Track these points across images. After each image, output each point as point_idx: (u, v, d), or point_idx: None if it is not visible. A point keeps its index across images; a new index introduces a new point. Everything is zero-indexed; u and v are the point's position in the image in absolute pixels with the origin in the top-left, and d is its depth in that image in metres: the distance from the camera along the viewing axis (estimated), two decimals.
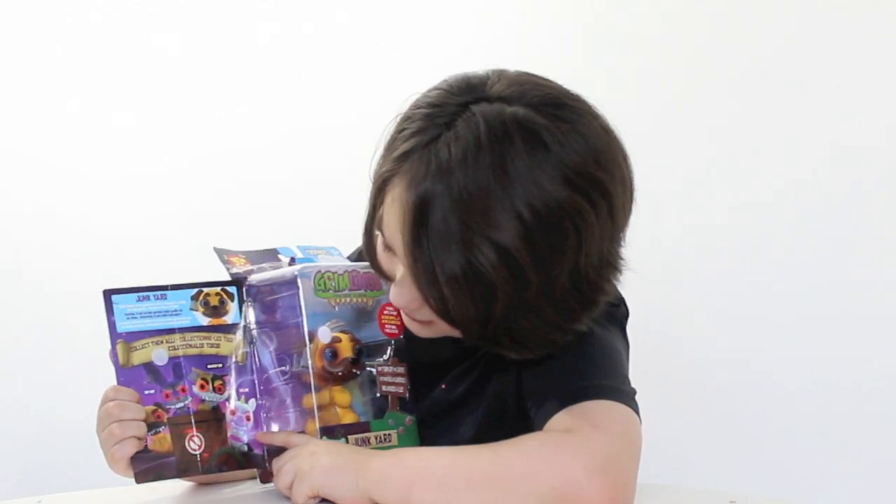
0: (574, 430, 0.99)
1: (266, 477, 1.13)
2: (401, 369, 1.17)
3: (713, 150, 2.02)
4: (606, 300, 1.04)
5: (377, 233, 1.06)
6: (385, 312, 1.16)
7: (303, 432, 1.13)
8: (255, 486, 1.16)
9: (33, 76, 2.33)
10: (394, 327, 1.17)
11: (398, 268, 1.05)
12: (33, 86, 2.33)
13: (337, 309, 1.13)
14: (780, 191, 1.97)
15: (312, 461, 1.06)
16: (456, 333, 1.05)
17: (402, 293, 1.04)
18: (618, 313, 1.17)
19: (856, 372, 1.94)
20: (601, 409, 1.02)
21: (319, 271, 1.13)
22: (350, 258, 1.25)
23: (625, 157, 1.04)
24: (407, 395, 1.17)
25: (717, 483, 1.83)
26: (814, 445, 1.96)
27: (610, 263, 1.02)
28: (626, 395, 1.05)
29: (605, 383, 1.05)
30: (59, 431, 2.34)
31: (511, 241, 0.95)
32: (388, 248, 1.05)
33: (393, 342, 1.17)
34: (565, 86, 1.05)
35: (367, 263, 1.12)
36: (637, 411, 1.05)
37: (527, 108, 0.99)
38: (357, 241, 1.22)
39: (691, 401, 2.02)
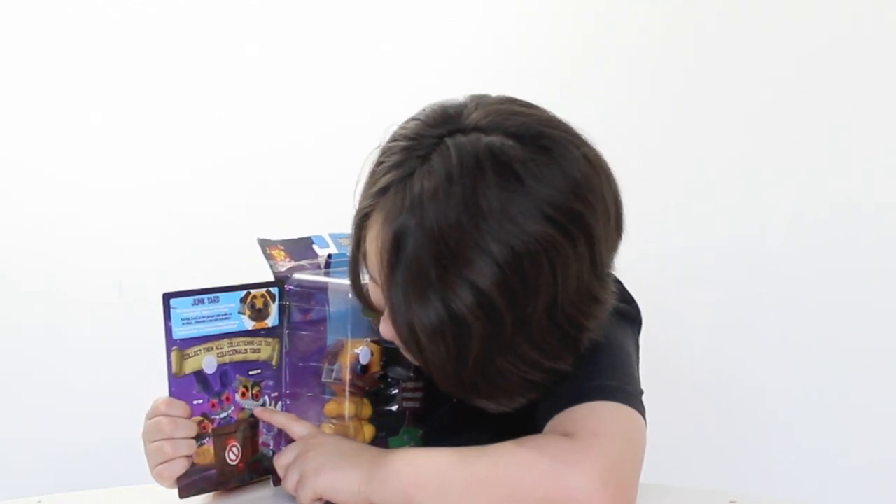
0: (575, 436, 0.98)
1: (280, 480, 1.13)
2: (420, 384, 1.17)
3: (716, 156, 2.01)
4: (590, 336, 1.02)
5: (363, 267, 1.05)
6: None
7: None
8: (266, 489, 1.15)
9: (40, 84, 2.33)
10: None
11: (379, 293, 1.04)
12: (39, 93, 2.33)
13: (377, 327, 1.12)
14: (780, 197, 1.97)
15: (317, 463, 1.06)
16: None
17: (386, 329, 1.03)
18: (629, 313, 1.16)
19: (856, 372, 1.94)
20: (603, 412, 1.01)
21: None
22: None
23: (610, 186, 1.01)
24: (422, 409, 1.17)
25: (717, 483, 1.82)
26: (814, 445, 1.96)
27: (592, 296, 1.00)
28: (630, 396, 1.04)
29: (609, 384, 1.04)
30: (59, 431, 2.34)
31: (483, 280, 0.94)
32: (374, 280, 1.04)
33: None
34: (561, 97, 1.03)
35: None
36: (643, 412, 1.04)
37: (503, 138, 0.97)
38: None
39: (691, 401, 2.01)
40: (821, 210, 1.95)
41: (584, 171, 0.98)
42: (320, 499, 1.05)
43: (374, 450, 1.07)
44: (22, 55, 2.33)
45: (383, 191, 0.99)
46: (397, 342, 1.03)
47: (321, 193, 2.18)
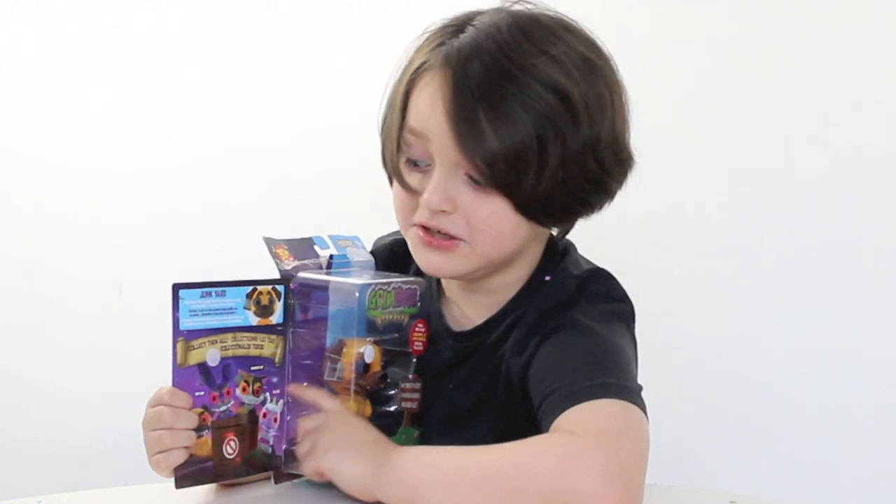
0: (580, 434, 0.99)
1: (280, 478, 1.13)
2: (418, 385, 1.18)
3: (714, 141, 2.01)
4: (603, 201, 1.13)
5: (406, 139, 1.10)
6: (416, 329, 1.17)
7: None
8: (266, 488, 1.15)
9: (41, 83, 2.33)
10: (420, 344, 1.17)
11: (427, 178, 1.10)
12: (39, 93, 2.34)
13: (380, 327, 1.13)
14: (782, 183, 1.97)
15: (330, 442, 1.07)
16: (476, 262, 1.11)
17: (437, 190, 1.08)
18: (623, 310, 1.17)
19: (857, 371, 1.94)
20: (606, 410, 1.02)
21: (373, 288, 1.12)
22: (373, 252, 1.25)
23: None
24: (419, 410, 1.18)
25: (717, 483, 1.82)
26: (814, 445, 1.96)
27: (624, 149, 1.12)
28: (632, 393, 1.05)
29: (609, 381, 1.04)
30: (59, 431, 2.34)
31: (558, 78, 1.05)
32: (413, 160, 1.11)
33: (415, 358, 1.16)
34: None
35: (409, 278, 1.14)
36: (643, 408, 1.05)
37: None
38: (369, 237, 1.23)
39: (691, 400, 2.01)
40: (820, 207, 1.95)
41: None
42: (322, 475, 1.06)
43: (387, 444, 1.08)
44: (24, 50, 2.33)
45: (438, 47, 1.09)
46: (446, 206, 1.09)
47: (320, 191, 2.19)
